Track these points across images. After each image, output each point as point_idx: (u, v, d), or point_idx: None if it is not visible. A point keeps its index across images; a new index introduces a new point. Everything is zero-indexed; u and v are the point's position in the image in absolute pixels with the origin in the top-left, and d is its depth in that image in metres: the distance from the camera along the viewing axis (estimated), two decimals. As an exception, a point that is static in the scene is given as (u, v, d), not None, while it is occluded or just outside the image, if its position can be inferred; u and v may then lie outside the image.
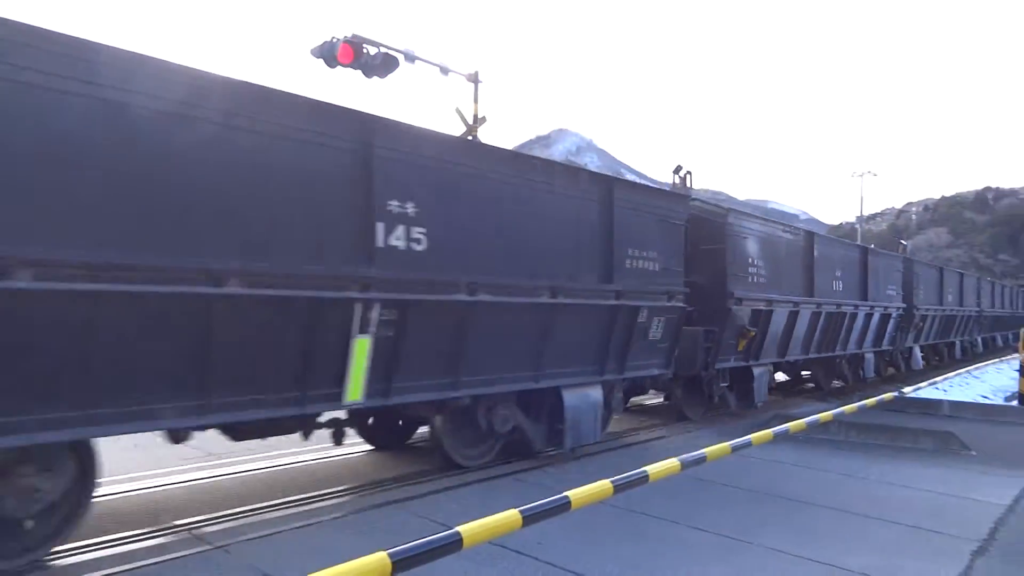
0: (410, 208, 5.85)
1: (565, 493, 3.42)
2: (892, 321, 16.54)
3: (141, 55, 4.44)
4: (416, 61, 14.24)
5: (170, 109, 4.50)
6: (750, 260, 10.76)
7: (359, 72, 13.04)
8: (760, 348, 11.28)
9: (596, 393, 8.02)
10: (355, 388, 5.62)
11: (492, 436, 7.45)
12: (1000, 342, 31.35)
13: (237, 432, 5.79)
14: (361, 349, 5.57)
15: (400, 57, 13.63)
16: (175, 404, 4.68)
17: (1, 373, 3.94)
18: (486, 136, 15.13)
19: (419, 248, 5.93)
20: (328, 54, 12.68)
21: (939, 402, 12.28)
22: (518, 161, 7.32)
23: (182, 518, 5.54)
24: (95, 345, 4.23)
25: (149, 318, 4.46)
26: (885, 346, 16.56)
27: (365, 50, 13.02)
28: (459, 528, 2.78)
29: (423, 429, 8.25)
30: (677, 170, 9.27)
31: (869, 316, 15.13)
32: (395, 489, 6.50)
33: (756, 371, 11.36)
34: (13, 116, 3.91)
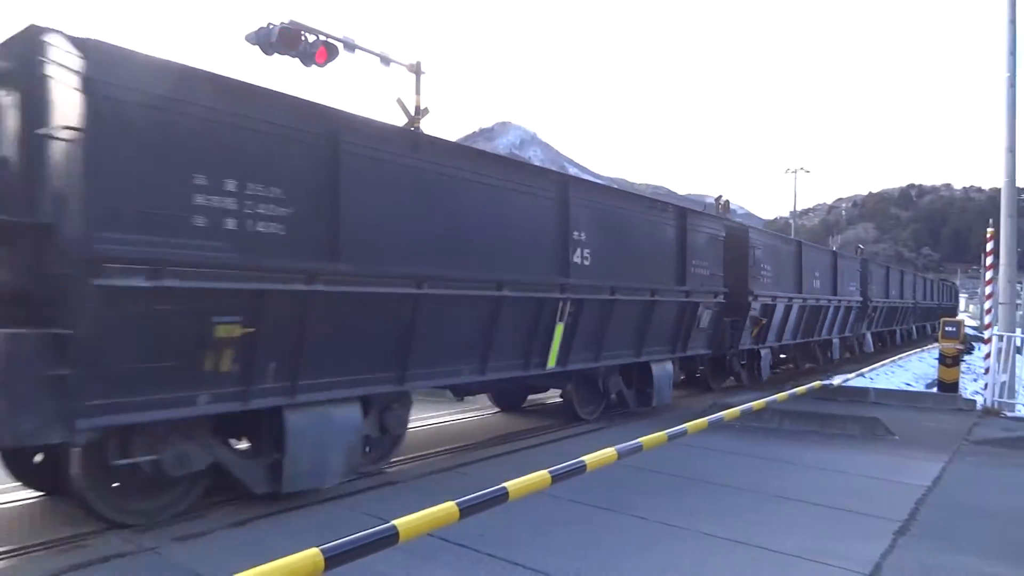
0: (583, 236, 8.66)
1: (502, 484, 3.41)
2: (853, 312, 20.08)
3: (495, 156, 8.29)
4: (356, 50, 13.97)
5: (489, 185, 7.47)
6: (762, 265, 13.59)
7: (297, 60, 12.71)
8: (766, 335, 14.22)
9: (670, 366, 11.10)
10: (552, 358, 8.46)
11: (603, 397, 10.26)
12: (929, 331, 33.46)
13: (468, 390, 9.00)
14: (559, 332, 8.42)
15: (339, 46, 13.34)
16: (467, 366, 7.40)
17: (372, 344, 6.25)
18: (429, 128, 14.97)
19: (587, 264, 8.69)
20: (264, 40, 12.29)
21: (866, 390, 12.80)
22: (643, 201, 10.95)
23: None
24: (428, 328, 6.65)
25: (460, 310, 7.09)
26: (847, 333, 20.20)
27: (303, 37, 12.68)
28: (395, 522, 2.73)
29: (533, 396, 11.70)
30: (718, 199, 11.28)
31: (837, 308, 18.53)
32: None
33: (762, 352, 14.53)
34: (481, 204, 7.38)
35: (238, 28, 13.54)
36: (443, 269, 6.72)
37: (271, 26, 12.34)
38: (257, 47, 12.44)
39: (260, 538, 4.95)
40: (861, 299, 20.60)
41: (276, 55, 12.58)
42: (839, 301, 18.54)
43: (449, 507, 3.05)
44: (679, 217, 10.94)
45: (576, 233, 8.53)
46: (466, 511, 3.12)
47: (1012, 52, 12.59)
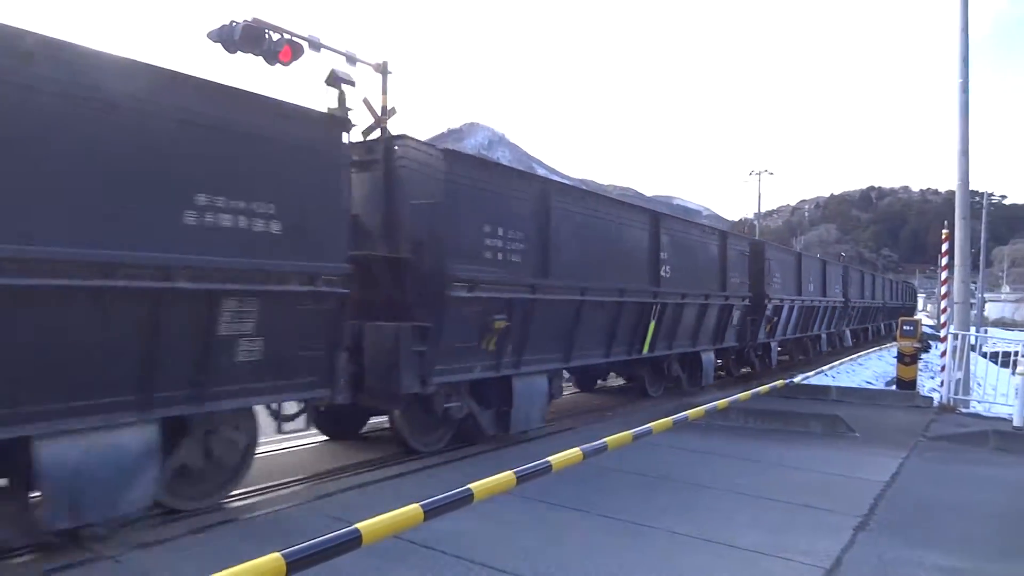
0: (666, 255, 11.50)
1: (468, 486, 3.40)
2: (836, 311, 23.32)
3: (612, 200, 11.57)
4: (322, 49, 13.83)
5: (610, 220, 10.26)
6: (773, 273, 16.38)
7: (261, 59, 12.53)
8: (775, 330, 17.18)
9: (712, 355, 14.09)
10: (646, 347, 11.25)
11: (665, 380, 13.00)
12: (894, 327, 34.62)
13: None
14: (651, 328, 11.26)
15: (304, 45, 13.18)
16: (597, 351, 10.09)
17: (555, 334, 9.00)
18: (396, 128, 14.86)
19: (668, 276, 11.55)
20: (227, 38, 12.08)
21: (828, 388, 13.08)
22: (699, 226, 14.42)
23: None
24: (582, 324, 9.35)
25: (599, 311, 9.75)
26: (832, 329, 23.49)
27: (267, 36, 12.51)
28: (358, 525, 2.70)
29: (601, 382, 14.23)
30: (742, 222, 12.51)
31: (826, 308, 21.65)
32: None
33: (772, 345, 17.60)
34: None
35: (200, 25, 13.30)
36: (592, 282, 9.52)
37: (234, 24, 12.14)
38: (220, 45, 12.25)
39: (221, 544, 4.86)
40: (843, 300, 23.67)
41: (239, 53, 12.41)
42: (827, 302, 21.52)
43: (414, 509, 3.03)
44: (721, 237, 14.24)
45: (663, 254, 11.44)
46: (431, 513, 3.10)
47: (964, 59, 12.97)
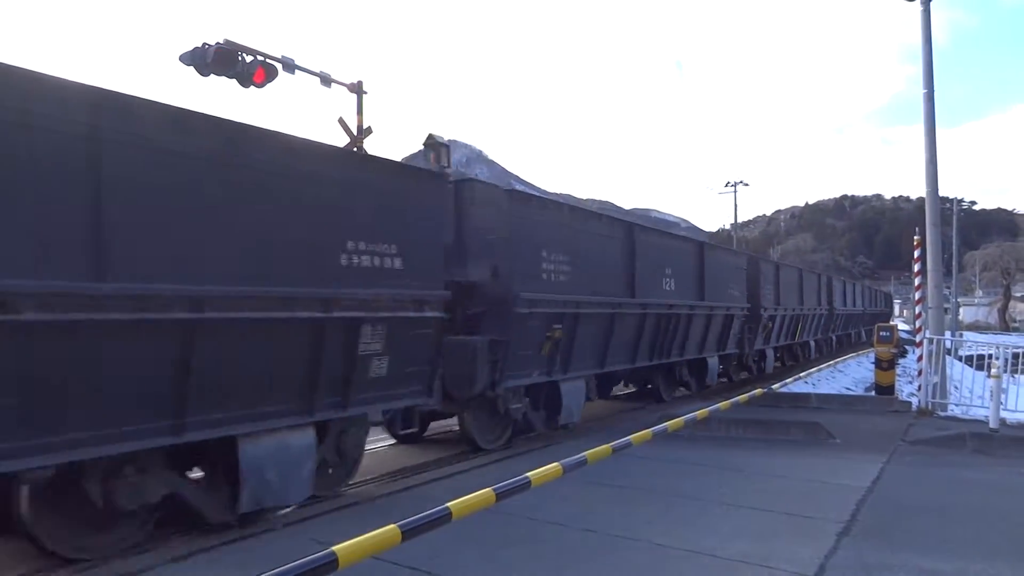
0: (670, 271, 12.53)
1: (446, 504, 3.36)
2: (823, 319, 24.73)
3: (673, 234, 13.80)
4: (296, 71, 13.83)
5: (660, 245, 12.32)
6: (766, 285, 17.76)
7: (234, 81, 12.50)
8: (769, 338, 18.40)
9: (716, 360, 15.19)
10: (664, 355, 12.63)
11: (678, 385, 14.52)
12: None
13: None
14: (669, 336, 12.70)
15: (278, 66, 13.18)
16: (622, 358, 11.19)
17: (592, 345, 10.31)
18: (372, 147, 14.85)
19: (671, 289, 12.54)
20: (199, 61, 12.06)
21: (807, 395, 13.17)
22: (705, 244, 15.36)
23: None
24: (616, 334, 10.67)
25: (627, 321, 11.04)
26: (819, 336, 24.76)
27: (240, 58, 12.49)
28: (334, 548, 2.65)
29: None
30: (719, 233, 13.01)
31: (814, 316, 23.02)
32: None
33: (768, 352, 18.83)
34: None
35: (172, 48, 13.25)
36: (626, 297, 10.94)
37: (206, 46, 12.12)
38: (192, 68, 12.20)
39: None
40: (828, 308, 25.10)
41: (212, 76, 12.36)
42: (811, 311, 22.77)
43: (391, 530, 2.98)
44: (725, 253, 16.40)
45: (667, 269, 12.44)
46: (408, 533, 3.06)
47: (929, 70, 13.26)
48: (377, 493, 6.97)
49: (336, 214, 6.07)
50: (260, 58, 12.75)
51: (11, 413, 4.15)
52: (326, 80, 14.50)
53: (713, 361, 15.03)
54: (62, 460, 4.43)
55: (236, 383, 5.34)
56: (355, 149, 13.65)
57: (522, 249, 8.73)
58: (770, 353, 19.06)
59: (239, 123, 5.39)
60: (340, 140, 14.41)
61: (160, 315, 4.79)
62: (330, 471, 6.72)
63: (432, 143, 9.21)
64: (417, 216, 6.89)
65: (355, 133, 14.76)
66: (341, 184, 6.15)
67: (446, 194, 7.90)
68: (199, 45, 12.16)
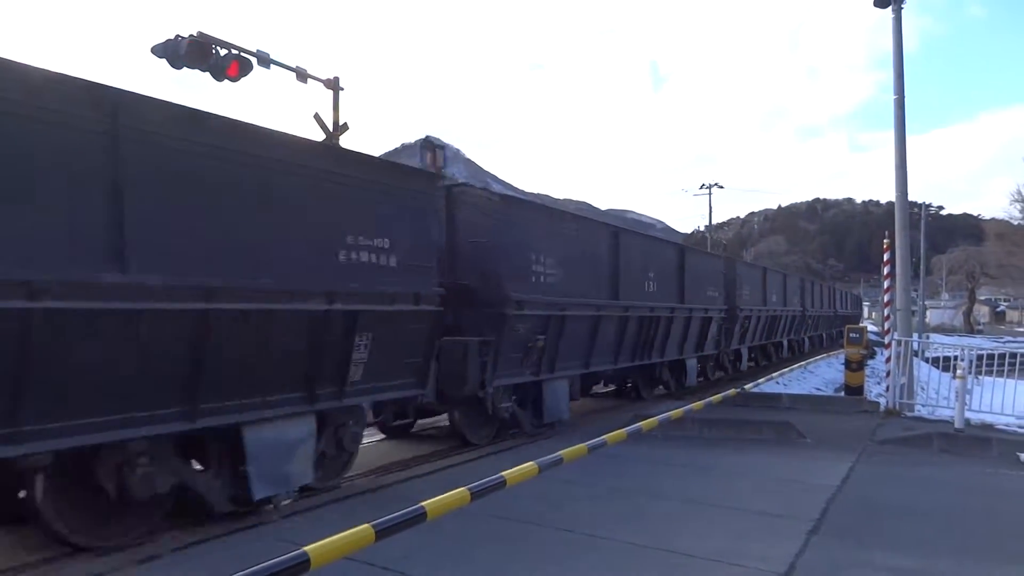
0: (651, 274, 12.84)
1: (421, 504, 3.34)
2: (796, 320, 25.63)
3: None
4: (271, 65, 13.66)
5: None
6: (743, 286, 18.26)
7: (208, 74, 12.31)
8: (745, 337, 19.04)
9: (695, 361, 15.66)
10: (644, 355, 13.14)
11: (658, 383, 14.85)
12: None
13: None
14: (651, 337, 13.18)
15: (253, 60, 13.01)
16: (606, 359, 11.47)
17: (581, 344, 10.69)
18: (349, 143, 14.73)
19: (653, 291, 12.84)
20: (172, 53, 11.86)
21: (778, 395, 13.33)
22: (687, 249, 15.87)
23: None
24: (600, 335, 10.95)
25: (614, 324, 11.44)
26: (792, 336, 25.80)
27: (214, 51, 12.31)
28: (306, 548, 2.61)
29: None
30: (694, 235, 13.38)
31: (783, 317, 23.47)
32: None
33: (743, 351, 19.41)
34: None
35: (145, 39, 13.01)
36: (610, 299, 11.30)
37: (179, 38, 11.92)
38: (165, 60, 12.00)
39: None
40: (801, 309, 26.02)
41: (185, 69, 12.17)
42: (790, 311, 23.85)
43: (364, 530, 2.95)
44: (701, 256, 17.20)
45: (650, 272, 12.74)
46: (382, 533, 3.03)
47: (899, 76, 13.50)
48: (374, 485, 7.24)
49: (337, 212, 6.32)
50: (235, 51, 12.58)
51: (42, 396, 4.33)
52: (302, 75, 14.34)
53: (692, 363, 15.36)
54: (85, 443, 4.64)
55: (239, 371, 5.54)
56: (331, 144, 13.50)
57: (512, 253, 9.03)
58: (744, 352, 19.54)
59: (250, 124, 5.66)
60: (316, 136, 14.26)
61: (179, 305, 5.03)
62: (328, 463, 6.87)
63: (429, 145, 10.05)
64: (410, 215, 7.14)
65: (331, 129, 14.63)
66: (344, 183, 6.40)
67: (439, 195, 8.26)
68: (172, 37, 11.96)
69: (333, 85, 14.89)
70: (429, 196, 7.61)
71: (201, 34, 12.03)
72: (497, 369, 8.73)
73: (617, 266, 11.52)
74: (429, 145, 10.11)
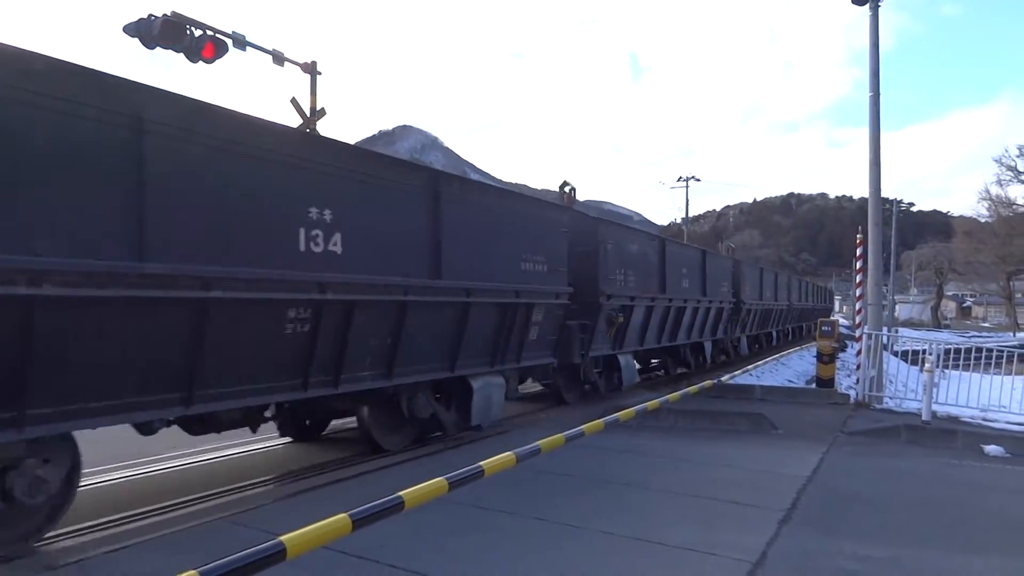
0: (686, 271, 16.26)
1: (398, 493, 3.32)
2: (783, 312, 28.61)
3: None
4: (247, 48, 13.42)
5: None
6: (747, 283, 21.25)
7: (182, 55, 12.06)
8: (746, 326, 21.91)
9: (710, 344, 18.51)
10: (676, 337, 16.21)
11: (683, 364, 17.37)
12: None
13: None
14: (682, 322, 16.41)
15: (228, 42, 12.77)
16: (655, 339, 15.01)
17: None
18: (326, 129, 14.56)
19: (686, 287, 15.98)
20: (145, 33, 11.59)
21: (752, 387, 13.49)
22: (708, 253, 18.30)
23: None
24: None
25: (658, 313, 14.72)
26: (779, 327, 28.59)
27: (188, 31, 12.06)
28: (282, 538, 2.59)
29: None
30: (563, 186, 13.60)
31: (775, 310, 26.54)
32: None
33: (742, 338, 22.02)
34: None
35: (117, 17, 12.71)
36: (659, 293, 14.22)
37: (152, 18, 11.65)
38: (137, 39, 11.73)
39: (140, 559, 4.61)
40: (787, 303, 28.62)
41: (159, 49, 11.91)
42: (782, 304, 26.95)
43: (341, 519, 2.93)
44: (716, 257, 19.89)
45: (683, 270, 15.77)
46: (359, 523, 3.01)
47: (875, 74, 13.64)
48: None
49: (515, 235, 9.38)
50: (210, 32, 12.33)
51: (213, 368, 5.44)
52: (279, 58, 14.12)
53: (708, 345, 18.47)
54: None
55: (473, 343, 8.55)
56: (307, 130, 13.34)
57: (609, 262, 12.04)
58: (744, 340, 22.45)
59: (323, 137, 8.21)
60: (293, 121, 14.07)
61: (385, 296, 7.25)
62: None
63: (564, 186, 13.13)
64: (553, 236, 10.21)
65: (308, 115, 14.43)
66: (518, 215, 9.59)
67: (566, 221, 10.83)
68: (145, 16, 11.69)
69: (310, 69, 14.68)
70: (561, 221, 10.65)
71: (175, 14, 11.77)
72: (593, 343, 11.74)
73: (664, 268, 14.50)
74: (564, 185, 13.14)
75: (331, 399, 7.03)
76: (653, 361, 17.72)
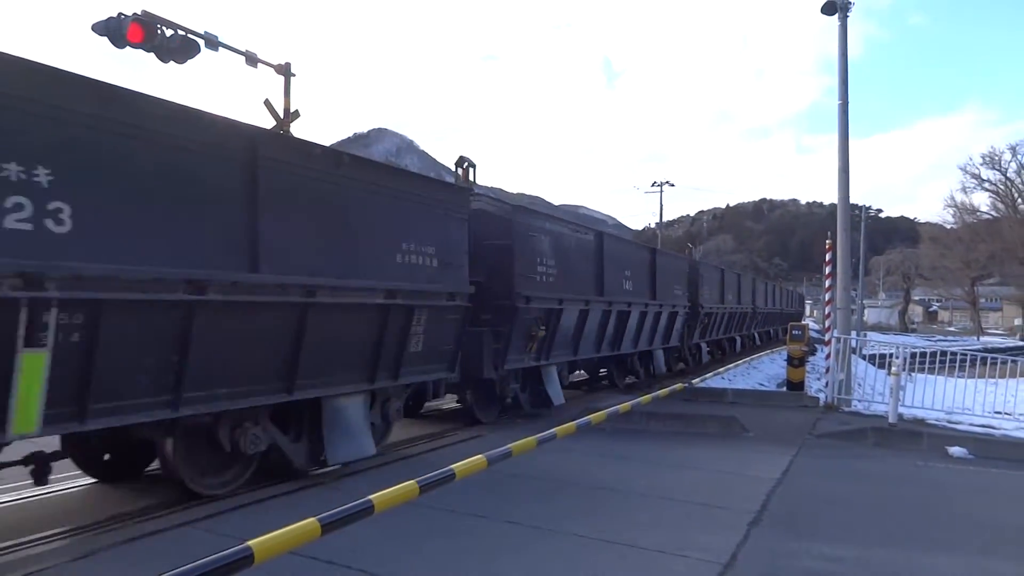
0: (630, 273, 14.53)
1: (368, 497, 3.30)
2: (748, 317, 27.43)
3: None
4: (220, 48, 13.26)
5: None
6: (705, 286, 19.89)
7: (152, 55, 11.87)
8: (705, 332, 20.52)
9: (662, 353, 17.21)
10: (621, 346, 14.43)
11: (632, 373, 16.04)
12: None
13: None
14: (632, 329, 14.67)
15: (201, 42, 12.60)
16: (568, 351, 12.27)
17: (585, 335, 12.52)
18: (300, 132, 14.44)
19: (629, 289, 14.24)
20: (115, 32, 11.39)
21: (724, 390, 13.64)
22: (658, 252, 16.91)
23: None
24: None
25: (595, 318, 12.74)
26: (743, 332, 27.57)
27: (160, 31, 11.87)
28: (250, 543, 2.56)
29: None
30: (459, 161, 11.49)
31: (737, 314, 25.26)
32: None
33: (702, 345, 20.51)
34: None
35: (85, 16, 12.51)
36: (595, 295, 12.66)
37: (122, 17, 11.46)
38: (106, 39, 11.53)
39: (101, 571, 4.52)
40: (752, 307, 28.00)
41: (128, 48, 11.71)
42: (741, 308, 25.78)
43: (310, 524, 2.90)
44: (669, 257, 18.57)
45: (627, 271, 14.21)
46: (328, 527, 2.98)
47: (844, 82, 13.90)
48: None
49: (395, 223, 7.62)
50: (181, 32, 12.16)
51: (210, 370, 5.57)
52: (252, 60, 13.95)
53: (659, 353, 17.01)
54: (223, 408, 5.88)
55: (324, 355, 6.71)
56: (281, 132, 13.21)
57: (524, 255, 10.26)
58: (703, 347, 20.91)
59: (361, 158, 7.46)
60: (267, 122, 13.92)
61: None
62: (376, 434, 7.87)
63: (461, 161, 10.93)
64: (447, 223, 8.38)
65: (282, 116, 14.29)
66: (396, 197, 7.64)
67: (466, 207, 9.02)
68: (114, 15, 11.49)
69: (284, 71, 14.52)
70: (460, 207, 8.77)
71: (146, 13, 11.60)
72: (509, 355, 10.12)
73: (602, 266, 12.81)
74: (461, 161, 10.98)
75: (117, 431, 5.25)
76: (602, 370, 16.25)
